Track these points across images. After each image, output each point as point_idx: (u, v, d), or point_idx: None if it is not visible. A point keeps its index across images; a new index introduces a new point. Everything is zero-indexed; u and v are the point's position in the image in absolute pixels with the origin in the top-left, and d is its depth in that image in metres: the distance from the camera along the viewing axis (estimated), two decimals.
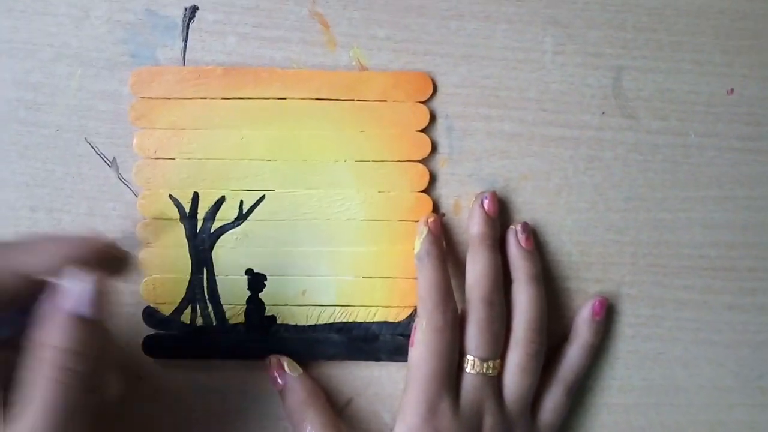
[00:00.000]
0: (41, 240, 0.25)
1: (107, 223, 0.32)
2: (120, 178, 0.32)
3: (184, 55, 0.31)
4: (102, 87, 0.31)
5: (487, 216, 0.31)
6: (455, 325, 0.30)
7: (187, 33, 0.31)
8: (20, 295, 0.24)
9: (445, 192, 0.32)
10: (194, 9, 0.31)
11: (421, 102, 0.31)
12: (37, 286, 0.24)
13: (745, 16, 0.32)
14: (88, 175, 0.32)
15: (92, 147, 0.32)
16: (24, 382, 0.23)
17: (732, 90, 0.32)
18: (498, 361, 0.30)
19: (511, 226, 0.32)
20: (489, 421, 0.30)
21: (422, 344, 0.29)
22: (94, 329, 0.24)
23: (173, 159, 0.31)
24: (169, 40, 0.31)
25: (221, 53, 0.31)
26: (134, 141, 0.31)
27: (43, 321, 0.23)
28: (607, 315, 0.32)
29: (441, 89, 0.31)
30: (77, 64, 0.31)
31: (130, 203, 0.32)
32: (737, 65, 0.32)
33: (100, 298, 0.24)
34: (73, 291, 0.23)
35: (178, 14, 0.31)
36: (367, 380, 0.33)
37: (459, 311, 0.31)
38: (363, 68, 0.31)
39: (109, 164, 0.32)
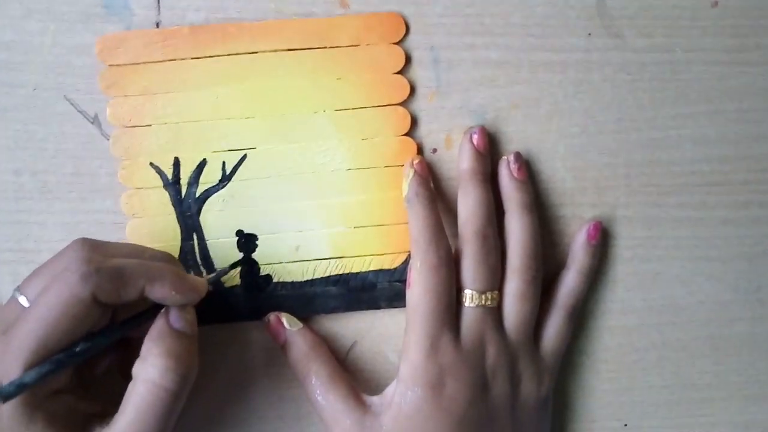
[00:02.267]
0: (166, 271, 0.27)
1: (95, 181, 0.31)
2: (103, 134, 0.31)
3: (159, 2, 0.30)
4: (77, 41, 0.30)
5: (477, 151, 0.31)
6: (449, 261, 0.30)
7: None
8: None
9: (435, 127, 0.32)
10: None
11: (395, 43, 0.31)
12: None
13: None
14: (70, 133, 0.31)
15: (72, 104, 0.31)
16: (130, 389, 0.26)
17: (716, 2, 0.32)
18: (496, 292, 0.30)
19: (503, 157, 0.32)
20: (492, 351, 0.30)
21: (418, 283, 0.29)
22: (193, 343, 0.28)
23: (149, 125, 0.31)
24: None
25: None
26: (107, 111, 0.31)
27: (157, 337, 0.27)
28: (603, 238, 0.33)
29: (424, 20, 0.31)
30: (49, 20, 0.30)
31: (115, 158, 0.31)
32: None
33: (194, 318, 0.28)
34: (177, 313, 0.27)
35: None
36: (370, 323, 0.33)
37: (453, 249, 0.31)
38: (344, 3, 0.31)
39: (91, 121, 0.31)
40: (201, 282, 0.28)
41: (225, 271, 0.31)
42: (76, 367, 0.27)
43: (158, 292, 0.26)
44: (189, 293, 0.27)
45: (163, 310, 0.27)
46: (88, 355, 0.26)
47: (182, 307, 0.28)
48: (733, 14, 0.32)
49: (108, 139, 0.31)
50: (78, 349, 0.25)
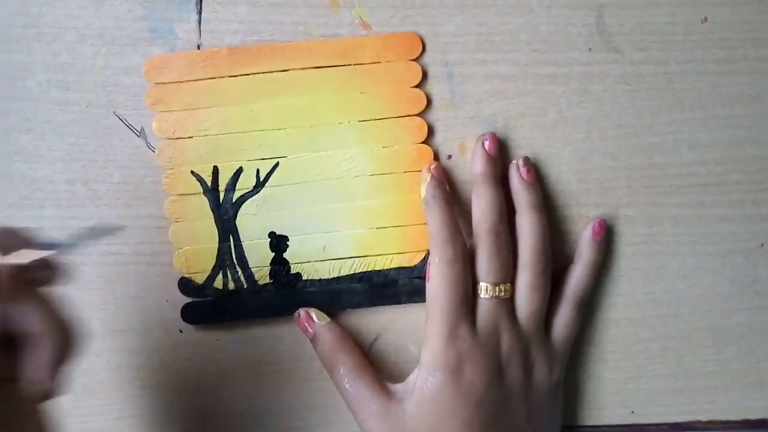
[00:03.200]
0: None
1: (140, 189, 0.34)
2: (149, 146, 0.34)
3: (200, 26, 0.34)
4: (125, 63, 0.34)
5: (488, 155, 0.34)
6: (465, 257, 0.32)
7: (200, 6, 0.33)
8: None
9: (450, 135, 0.35)
10: None
11: (412, 60, 0.34)
12: None
13: None
14: (118, 146, 0.34)
15: (121, 119, 0.34)
16: None
17: (705, 18, 0.34)
18: (509, 284, 0.33)
19: (513, 161, 0.34)
20: (506, 339, 0.32)
21: (437, 277, 0.32)
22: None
23: (191, 137, 0.34)
24: (185, 14, 0.33)
25: (234, 22, 0.33)
26: (153, 124, 0.33)
27: None
28: (608, 235, 0.35)
29: (439, 38, 0.34)
30: (101, 44, 0.34)
31: (159, 168, 0.34)
32: None
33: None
34: None
35: None
36: (392, 317, 0.35)
37: (468, 245, 0.33)
38: (365, 25, 0.34)
39: (138, 134, 0.34)
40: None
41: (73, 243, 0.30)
42: None
43: None
44: None
45: None
46: None
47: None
48: (722, 28, 0.34)
49: (153, 151, 0.34)
50: None
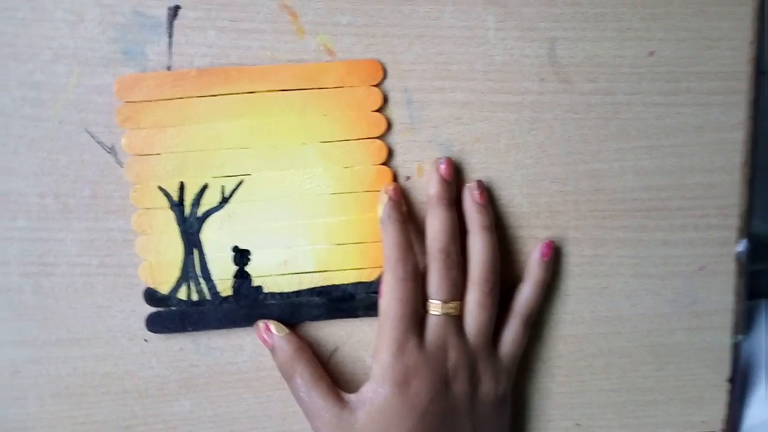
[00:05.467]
0: None
1: (109, 203, 0.35)
2: (119, 162, 0.35)
3: (170, 49, 0.35)
4: (98, 82, 0.35)
5: (443, 179, 0.35)
6: (416, 275, 0.34)
7: (171, 30, 0.35)
8: None
9: (408, 158, 0.36)
10: (177, 8, 0.35)
11: (373, 85, 0.36)
12: None
13: None
14: (89, 162, 0.35)
15: (92, 136, 0.35)
16: None
17: (652, 52, 0.36)
18: (458, 302, 0.34)
19: (466, 184, 0.36)
20: (453, 354, 0.34)
21: (388, 294, 0.33)
22: None
23: (159, 154, 0.35)
24: (156, 37, 0.35)
25: (203, 46, 0.35)
26: (122, 141, 0.35)
27: None
28: (555, 256, 0.37)
29: (399, 66, 0.35)
30: (74, 63, 0.35)
31: (129, 184, 0.35)
32: (655, 29, 0.36)
33: None
34: None
35: (162, 14, 0.35)
36: (349, 331, 0.37)
37: (421, 264, 0.35)
38: (330, 52, 0.35)
39: (108, 151, 0.35)
40: None
41: None
42: None
43: None
44: None
45: None
46: None
47: None
48: (667, 62, 0.36)
49: (122, 167, 0.35)
50: None
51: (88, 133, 0.35)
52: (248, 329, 0.36)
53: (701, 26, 0.36)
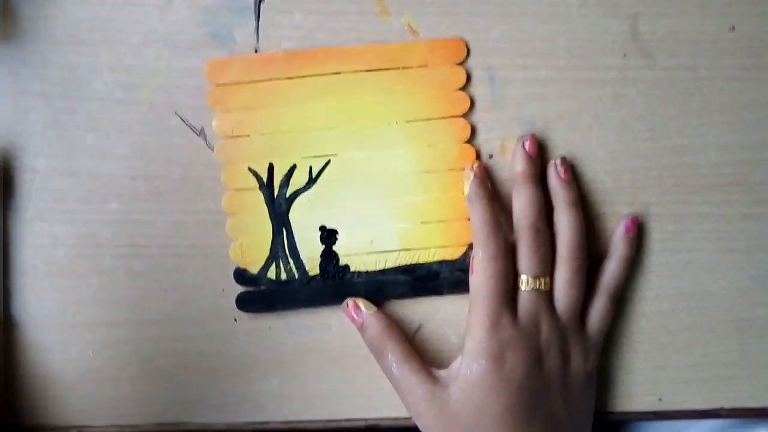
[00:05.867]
0: None
1: (199, 185, 0.36)
2: (208, 145, 0.36)
3: (257, 32, 0.36)
4: (187, 65, 0.36)
5: (528, 155, 0.36)
6: (507, 251, 0.34)
7: (258, 13, 0.35)
8: None
9: (491, 136, 0.37)
10: None
11: (458, 64, 0.36)
12: None
13: None
14: (179, 144, 0.36)
15: (182, 119, 0.36)
16: None
17: (733, 27, 0.36)
18: (548, 278, 0.35)
19: (550, 161, 0.36)
20: (545, 329, 0.34)
21: (480, 271, 0.34)
22: None
23: (248, 136, 0.36)
24: (244, 20, 0.35)
25: (290, 28, 0.35)
26: (213, 123, 0.35)
27: None
28: (639, 231, 0.37)
29: (482, 44, 0.36)
30: (164, 47, 0.36)
31: (218, 166, 0.36)
32: (736, 4, 0.36)
33: None
34: None
35: None
36: (434, 309, 0.37)
37: (510, 240, 0.35)
38: (414, 32, 0.36)
39: (198, 133, 0.36)
40: None
41: None
42: None
43: None
44: None
45: None
46: None
47: None
48: (749, 37, 0.36)
49: (212, 149, 0.36)
50: None
51: (178, 116, 0.36)
52: (335, 307, 0.37)
53: None
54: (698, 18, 0.36)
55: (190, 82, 0.36)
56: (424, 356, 0.37)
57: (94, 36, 0.35)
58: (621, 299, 0.37)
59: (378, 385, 0.37)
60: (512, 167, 0.36)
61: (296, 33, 0.36)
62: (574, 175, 0.37)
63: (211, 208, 0.36)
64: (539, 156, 0.36)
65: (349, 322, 0.36)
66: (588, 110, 0.36)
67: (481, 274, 0.34)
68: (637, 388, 0.38)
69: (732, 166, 0.37)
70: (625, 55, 0.36)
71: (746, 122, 0.37)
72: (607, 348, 0.37)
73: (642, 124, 0.37)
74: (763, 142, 0.37)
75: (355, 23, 0.36)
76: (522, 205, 0.35)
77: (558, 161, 0.36)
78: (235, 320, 0.37)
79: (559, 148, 0.37)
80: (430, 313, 0.37)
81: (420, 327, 0.37)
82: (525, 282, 0.34)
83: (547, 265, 0.35)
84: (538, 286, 0.34)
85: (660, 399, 0.38)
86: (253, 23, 0.35)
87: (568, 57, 0.36)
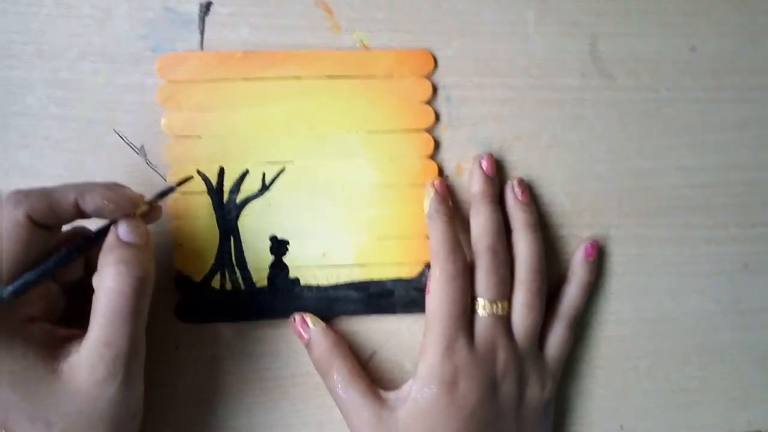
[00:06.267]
0: (95, 184, 0.29)
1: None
2: (148, 163, 0.34)
3: (202, 47, 0.34)
4: (127, 80, 0.34)
5: (486, 175, 0.35)
6: (465, 272, 0.33)
7: (203, 26, 0.34)
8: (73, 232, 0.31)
9: (447, 156, 0.35)
10: (209, 4, 0.34)
11: (424, 76, 0.35)
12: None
13: None
14: (118, 163, 0.34)
15: (121, 137, 0.34)
16: (93, 302, 0.28)
17: (694, 47, 0.36)
18: (506, 302, 0.33)
19: (508, 182, 0.35)
20: (502, 355, 0.33)
21: (437, 291, 0.32)
22: (144, 251, 0.29)
23: (199, 137, 0.34)
24: (187, 34, 0.34)
25: (236, 43, 0.34)
26: (162, 121, 0.34)
27: (107, 249, 0.29)
28: (599, 255, 0.36)
29: (438, 63, 0.35)
30: (102, 61, 0.34)
31: (159, 186, 0.34)
32: (697, 24, 0.35)
33: (143, 229, 0.30)
34: (124, 226, 0.29)
35: (194, 9, 0.34)
36: (388, 333, 0.36)
37: (469, 260, 0.34)
38: (366, 49, 0.34)
39: (137, 151, 0.34)
40: (135, 193, 0.30)
41: (170, 189, 0.32)
42: (43, 295, 0.30)
43: (90, 203, 0.28)
44: (122, 201, 0.29)
45: (112, 226, 0.29)
46: (57, 267, 0.28)
47: (131, 221, 0.29)
48: (710, 57, 0.36)
49: (152, 168, 0.34)
50: (50, 263, 0.27)
51: (117, 133, 0.34)
52: (284, 333, 0.35)
53: (744, 21, 0.36)
54: (659, 38, 0.35)
55: (129, 98, 0.34)
56: (377, 383, 0.35)
57: (26, 49, 0.33)
58: (580, 323, 0.36)
59: (329, 415, 0.35)
60: (469, 187, 0.35)
61: (242, 48, 0.34)
62: (532, 196, 0.35)
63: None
64: (497, 176, 0.35)
65: (299, 349, 0.35)
66: (546, 131, 0.35)
67: (438, 295, 0.32)
68: (598, 414, 0.37)
69: (693, 188, 0.36)
70: (583, 75, 0.35)
71: (708, 144, 0.36)
72: (566, 373, 0.36)
73: (601, 145, 0.36)
74: (725, 165, 0.36)
75: (305, 39, 0.34)
76: (480, 226, 0.34)
77: (515, 182, 0.35)
78: (177, 347, 0.35)
79: (517, 169, 0.36)
80: (383, 339, 0.36)
81: (374, 354, 0.36)
82: (482, 306, 0.33)
83: (505, 289, 0.33)
84: (495, 311, 0.33)
85: (621, 426, 0.37)
86: (198, 37, 0.34)
87: (526, 76, 0.35)
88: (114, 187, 0.29)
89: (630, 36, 0.35)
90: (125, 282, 0.28)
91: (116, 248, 0.29)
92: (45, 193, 0.28)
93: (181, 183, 0.33)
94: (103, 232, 0.30)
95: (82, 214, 0.29)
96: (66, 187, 0.28)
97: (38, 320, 0.29)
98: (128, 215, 0.30)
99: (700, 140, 0.36)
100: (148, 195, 0.34)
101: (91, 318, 0.28)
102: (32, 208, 0.27)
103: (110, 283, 0.28)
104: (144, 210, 0.30)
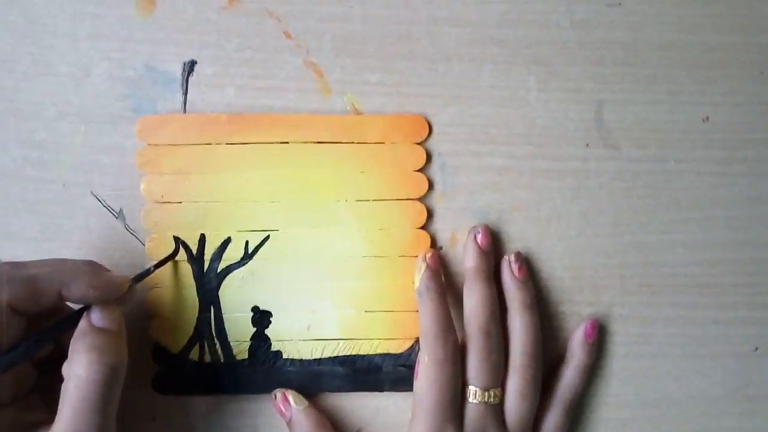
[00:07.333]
0: (80, 271, 0.28)
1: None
2: (127, 228, 0.33)
3: (185, 107, 0.32)
4: (106, 141, 0.32)
5: (480, 250, 0.33)
6: (456, 356, 0.31)
7: (186, 86, 0.32)
8: (51, 315, 0.29)
9: (441, 226, 0.34)
10: (192, 63, 0.32)
11: (417, 143, 0.33)
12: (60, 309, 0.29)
13: (714, 47, 0.34)
14: (95, 227, 0.33)
15: (98, 200, 0.33)
16: (62, 390, 0.27)
17: (707, 117, 0.34)
18: (498, 389, 0.32)
19: (504, 257, 0.33)
20: None
21: (425, 377, 0.31)
22: (117, 338, 0.28)
23: (180, 203, 0.33)
24: (170, 94, 0.32)
25: (221, 104, 0.32)
26: (141, 186, 0.32)
27: (79, 335, 0.27)
28: (600, 335, 0.34)
29: (433, 129, 0.33)
30: (80, 121, 0.32)
31: (137, 251, 0.33)
32: (710, 93, 0.33)
33: (118, 315, 0.29)
34: (98, 312, 0.28)
35: (177, 69, 0.32)
36: (374, 410, 0.34)
37: (459, 341, 0.32)
38: (357, 112, 0.33)
39: (116, 215, 0.33)
40: (118, 278, 0.29)
41: (148, 272, 0.31)
42: (13, 379, 0.29)
43: (75, 292, 0.27)
44: (106, 288, 0.28)
45: (86, 312, 0.28)
46: (25, 358, 0.27)
47: (104, 306, 0.28)
48: (723, 129, 0.34)
49: (131, 232, 0.33)
50: (17, 350, 0.26)
51: (94, 196, 0.33)
52: (261, 407, 0.33)
53: (759, 90, 0.33)
54: (668, 106, 0.33)
55: (107, 160, 0.32)
56: None
57: (1, 107, 0.32)
58: (579, 405, 0.34)
59: None
60: (464, 262, 0.33)
61: (228, 110, 0.32)
62: (530, 271, 0.34)
63: None
64: (492, 250, 0.33)
65: (278, 424, 0.33)
66: (546, 202, 0.34)
67: (426, 381, 0.31)
68: None
69: (701, 266, 0.34)
70: (588, 145, 0.33)
71: (718, 219, 0.34)
72: None
73: (605, 219, 0.34)
74: (736, 242, 0.34)
75: (293, 101, 0.32)
76: (473, 305, 0.32)
77: (512, 257, 0.33)
78: (153, 419, 0.33)
79: (515, 241, 0.34)
80: (369, 414, 0.34)
81: (360, 431, 0.34)
82: (473, 394, 0.31)
83: (497, 375, 0.32)
84: (487, 399, 0.31)
85: None
86: (180, 97, 0.32)
87: (526, 144, 0.33)
88: (99, 273, 0.28)
89: (638, 104, 0.33)
90: (97, 371, 0.27)
91: (88, 335, 0.27)
92: (29, 281, 0.27)
93: (159, 265, 0.32)
94: (74, 317, 0.28)
95: (63, 300, 0.28)
96: (50, 275, 0.27)
97: (6, 407, 0.28)
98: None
99: (710, 215, 0.34)
100: (126, 261, 0.33)
101: (59, 407, 0.27)
102: (15, 296, 0.26)
103: (81, 372, 0.26)
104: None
